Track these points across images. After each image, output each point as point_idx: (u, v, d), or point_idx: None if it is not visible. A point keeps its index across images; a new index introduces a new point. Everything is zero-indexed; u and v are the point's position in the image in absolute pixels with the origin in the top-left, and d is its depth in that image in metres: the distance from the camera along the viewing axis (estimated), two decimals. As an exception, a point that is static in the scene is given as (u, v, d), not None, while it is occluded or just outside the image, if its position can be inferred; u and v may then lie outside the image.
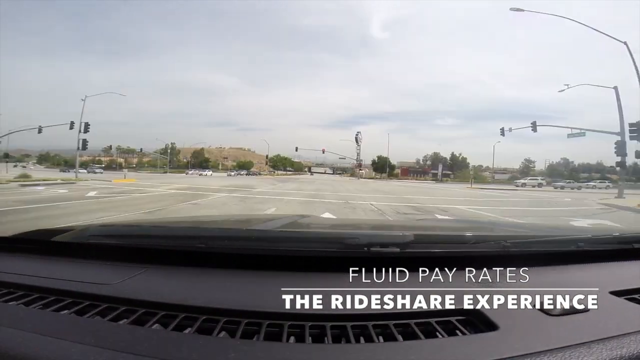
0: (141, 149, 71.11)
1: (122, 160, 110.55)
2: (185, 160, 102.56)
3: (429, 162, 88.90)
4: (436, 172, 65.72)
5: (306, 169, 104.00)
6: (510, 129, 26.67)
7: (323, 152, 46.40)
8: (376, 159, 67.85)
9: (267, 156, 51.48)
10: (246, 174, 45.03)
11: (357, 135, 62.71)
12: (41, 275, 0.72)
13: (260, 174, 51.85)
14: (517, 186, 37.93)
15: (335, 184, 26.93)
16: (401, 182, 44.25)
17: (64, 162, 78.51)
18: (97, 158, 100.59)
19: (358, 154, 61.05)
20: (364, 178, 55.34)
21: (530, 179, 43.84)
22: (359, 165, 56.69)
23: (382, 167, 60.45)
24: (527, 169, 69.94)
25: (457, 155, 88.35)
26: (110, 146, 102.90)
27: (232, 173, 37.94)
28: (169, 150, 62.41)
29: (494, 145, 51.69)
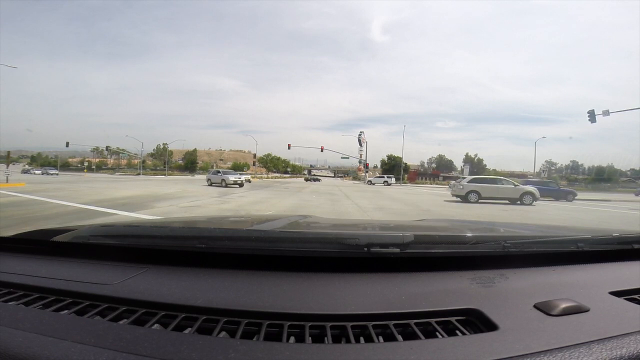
0: (121, 149, 64.08)
1: (112, 161, 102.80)
2: (179, 162, 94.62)
3: (433, 165, 79.89)
4: (446, 175, 55.95)
5: (305, 172, 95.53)
6: (608, 112, 20.50)
7: (322, 151, 37.47)
8: (386, 158, 58.86)
9: (254, 155, 43.40)
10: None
11: (359, 135, 52.60)
12: (41, 275, 0.71)
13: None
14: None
15: (336, 192, 17.53)
16: (422, 187, 34.93)
17: (48, 163, 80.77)
18: (86, 159, 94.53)
19: (361, 155, 50.56)
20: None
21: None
22: (365, 167, 46.62)
23: (393, 169, 51.37)
24: (549, 172, 61.75)
25: (472, 156, 77.83)
26: (97, 147, 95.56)
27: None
28: (141, 150, 54.14)
29: (535, 142, 42.70)
